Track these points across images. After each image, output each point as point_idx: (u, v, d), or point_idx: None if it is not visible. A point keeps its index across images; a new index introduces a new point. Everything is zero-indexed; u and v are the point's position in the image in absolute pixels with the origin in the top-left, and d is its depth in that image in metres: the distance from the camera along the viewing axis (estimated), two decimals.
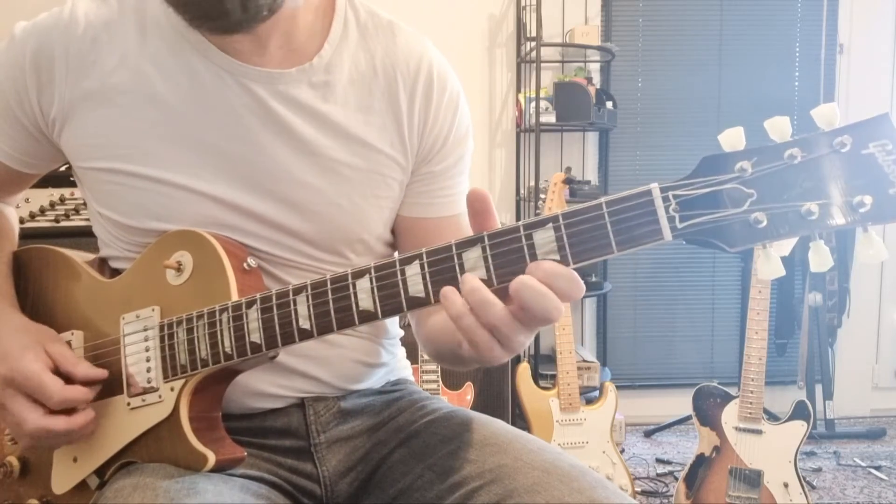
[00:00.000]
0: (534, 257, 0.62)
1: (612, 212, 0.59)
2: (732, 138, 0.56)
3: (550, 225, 0.61)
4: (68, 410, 0.79)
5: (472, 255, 0.64)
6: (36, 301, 0.90)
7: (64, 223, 2.08)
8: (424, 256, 0.66)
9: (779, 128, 0.55)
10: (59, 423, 0.79)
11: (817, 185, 0.54)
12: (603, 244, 0.60)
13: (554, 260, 0.61)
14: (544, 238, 0.62)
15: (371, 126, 0.87)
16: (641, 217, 0.58)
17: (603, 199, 0.60)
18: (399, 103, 0.88)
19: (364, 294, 0.68)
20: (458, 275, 0.64)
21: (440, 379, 2.31)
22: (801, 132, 0.54)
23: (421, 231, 0.92)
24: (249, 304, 0.74)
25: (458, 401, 2.34)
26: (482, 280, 0.63)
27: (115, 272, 0.88)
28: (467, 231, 0.66)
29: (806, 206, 0.53)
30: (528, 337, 0.65)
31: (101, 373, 0.81)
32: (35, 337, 0.83)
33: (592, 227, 0.60)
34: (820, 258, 0.55)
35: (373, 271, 0.68)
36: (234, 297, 0.76)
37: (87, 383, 0.80)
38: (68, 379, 0.79)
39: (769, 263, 0.56)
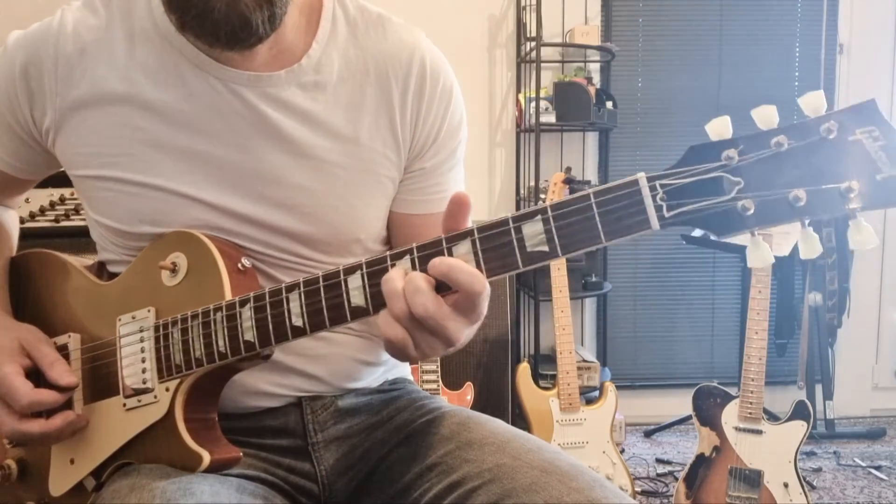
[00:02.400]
0: (523, 250, 0.62)
1: (599, 202, 0.59)
2: (719, 127, 0.56)
3: (539, 217, 0.62)
4: (49, 412, 0.80)
5: (462, 249, 0.64)
6: (34, 304, 0.91)
7: (64, 223, 2.08)
8: (415, 251, 0.66)
9: (765, 116, 0.55)
10: (34, 426, 0.80)
11: (804, 172, 0.54)
12: (591, 235, 0.60)
13: (542, 251, 0.62)
14: (533, 230, 0.62)
15: (363, 124, 0.86)
16: (629, 207, 0.58)
17: (591, 190, 0.60)
18: (392, 99, 0.87)
19: (356, 291, 0.68)
20: None
21: (440, 379, 2.31)
22: None
23: (411, 227, 0.92)
24: (243, 303, 0.74)
25: (458, 401, 2.34)
26: None
27: (113, 276, 0.88)
28: None
29: (793, 192, 0.53)
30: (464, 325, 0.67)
31: (72, 380, 0.82)
32: (17, 335, 0.83)
33: (581, 218, 0.60)
34: (808, 245, 0.55)
35: (364, 267, 0.68)
36: (229, 296, 0.76)
37: (59, 387, 0.81)
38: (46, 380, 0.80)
39: (758, 251, 0.56)
